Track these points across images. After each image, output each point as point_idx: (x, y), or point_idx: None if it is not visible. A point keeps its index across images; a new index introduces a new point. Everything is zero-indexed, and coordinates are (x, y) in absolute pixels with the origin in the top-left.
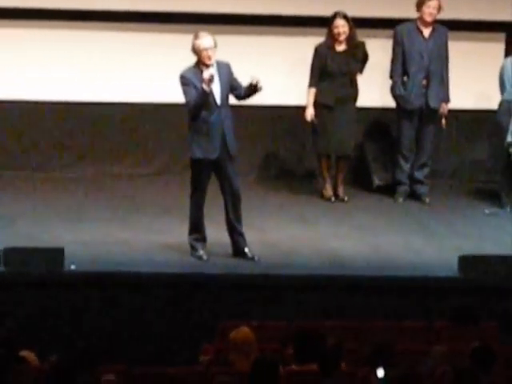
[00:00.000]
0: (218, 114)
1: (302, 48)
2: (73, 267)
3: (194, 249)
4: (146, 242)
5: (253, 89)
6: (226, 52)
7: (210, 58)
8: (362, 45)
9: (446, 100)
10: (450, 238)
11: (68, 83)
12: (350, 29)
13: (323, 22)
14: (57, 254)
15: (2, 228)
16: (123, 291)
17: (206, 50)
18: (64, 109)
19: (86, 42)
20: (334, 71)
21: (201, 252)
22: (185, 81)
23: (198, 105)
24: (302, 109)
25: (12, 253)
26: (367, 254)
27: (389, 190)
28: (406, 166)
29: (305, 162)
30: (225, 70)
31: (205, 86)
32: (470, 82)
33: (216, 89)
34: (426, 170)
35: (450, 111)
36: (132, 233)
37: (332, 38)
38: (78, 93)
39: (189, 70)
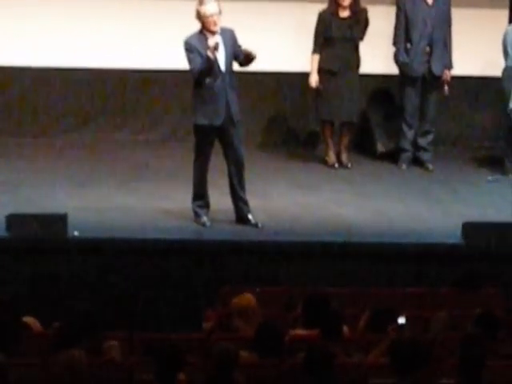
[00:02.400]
0: (222, 80)
1: (306, 14)
2: (76, 233)
3: (197, 215)
4: (149, 209)
5: (248, 58)
6: (228, 19)
7: (215, 24)
8: (365, 11)
9: (449, 67)
10: (453, 205)
11: (71, 49)
12: None
13: None
14: (60, 219)
15: (6, 194)
16: (126, 258)
17: (211, 15)
18: (67, 75)
19: (88, 8)
20: (338, 37)
21: (204, 218)
22: (189, 47)
23: (203, 72)
24: (306, 75)
25: (15, 219)
26: (370, 220)
27: (392, 156)
28: (410, 133)
29: (308, 128)
30: (229, 36)
31: (209, 54)
32: (474, 49)
33: (220, 55)
34: (430, 137)
35: (454, 78)
36: (135, 199)
37: (336, 4)
38: (81, 59)
39: (193, 36)
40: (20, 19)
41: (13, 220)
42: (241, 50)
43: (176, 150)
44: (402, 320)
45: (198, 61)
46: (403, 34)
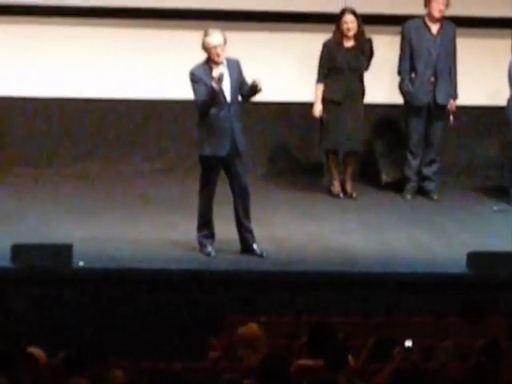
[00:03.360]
0: (227, 111)
1: (310, 44)
2: (81, 264)
3: (202, 245)
4: (154, 239)
5: (253, 90)
6: (234, 48)
7: (219, 56)
8: (369, 41)
9: (454, 96)
10: (458, 235)
11: (75, 80)
12: (359, 25)
13: (331, 19)
14: (65, 250)
15: (11, 224)
16: (131, 288)
17: (216, 47)
18: (72, 105)
19: (94, 39)
20: (343, 67)
21: (209, 248)
22: (194, 78)
23: (207, 102)
24: (310, 105)
25: (21, 249)
26: (375, 250)
27: (397, 186)
28: (415, 163)
29: (313, 158)
30: (234, 67)
31: (214, 85)
32: (479, 78)
33: (226, 86)
34: (435, 167)
35: (458, 107)
36: (140, 229)
37: (340, 34)
38: (88, 89)
39: (198, 66)
40: (24, 49)
41: (18, 250)
42: (246, 82)
43: (181, 180)
44: (408, 343)
45: (203, 91)
46: (408, 64)
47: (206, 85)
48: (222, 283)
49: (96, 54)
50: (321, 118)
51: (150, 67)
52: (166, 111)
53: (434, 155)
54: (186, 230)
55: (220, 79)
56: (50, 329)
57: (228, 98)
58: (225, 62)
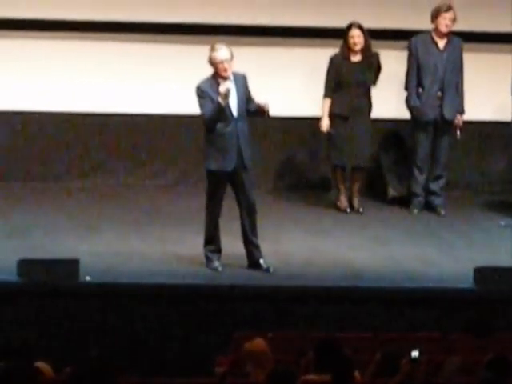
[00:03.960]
0: (234, 126)
1: (318, 59)
2: (88, 279)
3: (209, 260)
4: (161, 253)
5: (260, 112)
6: (241, 63)
7: (226, 70)
8: (376, 56)
9: (461, 111)
10: (465, 250)
11: (81, 94)
12: (365, 39)
13: (338, 34)
14: (72, 265)
15: (17, 239)
16: (138, 303)
17: (222, 62)
18: (77, 119)
19: (102, 53)
20: (350, 81)
21: (216, 263)
22: (201, 93)
23: (214, 118)
24: (317, 120)
25: (27, 264)
26: (382, 265)
27: (404, 201)
28: (421, 178)
29: (320, 172)
30: (241, 81)
31: (221, 100)
32: (485, 93)
33: (232, 101)
34: (442, 182)
35: (465, 122)
36: (147, 244)
37: (347, 49)
38: (92, 103)
39: (205, 81)
40: (30, 64)
41: (24, 265)
42: (252, 97)
43: (187, 194)
44: (415, 353)
45: (210, 106)
46: (415, 79)
47: (212, 100)
48: (228, 298)
49: (98, 68)
50: (328, 133)
51: (156, 82)
52: (172, 126)
53: (441, 170)
54: (192, 244)
55: (227, 95)
56: (56, 343)
57: (235, 113)
58: (231, 77)
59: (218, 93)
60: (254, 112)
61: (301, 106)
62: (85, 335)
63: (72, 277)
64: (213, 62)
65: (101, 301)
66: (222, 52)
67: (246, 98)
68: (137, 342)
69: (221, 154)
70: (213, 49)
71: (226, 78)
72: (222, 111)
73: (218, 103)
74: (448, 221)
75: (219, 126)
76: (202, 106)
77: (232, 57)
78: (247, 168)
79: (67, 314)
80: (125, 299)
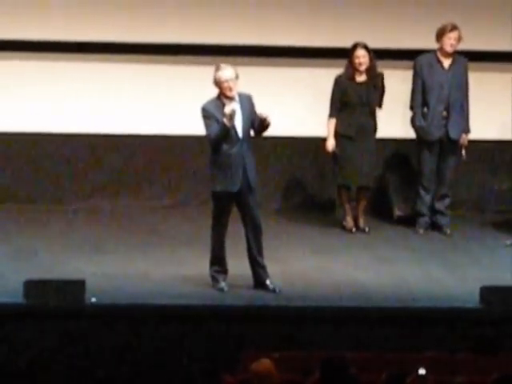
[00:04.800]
0: (239, 146)
1: (323, 79)
2: (93, 300)
3: (215, 281)
4: (166, 274)
5: (263, 124)
6: (246, 84)
7: (230, 90)
8: (381, 76)
9: (467, 131)
10: (471, 269)
11: (86, 116)
12: (371, 59)
13: (343, 54)
14: (78, 286)
15: (23, 261)
16: (144, 324)
17: (227, 81)
18: (82, 140)
19: (106, 74)
20: (355, 102)
21: (222, 284)
22: (206, 113)
23: (219, 138)
24: (322, 140)
25: (33, 285)
26: (388, 284)
27: (410, 221)
28: (427, 197)
29: (325, 192)
30: (246, 102)
31: (226, 121)
32: (490, 113)
33: (238, 122)
34: (447, 201)
35: (471, 142)
36: (152, 265)
37: (352, 69)
38: (98, 125)
39: (210, 102)
40: (36, 85)
41: (30, 287)
42: (256, 115)
43: (192, 215)
44: (422, 371)
45: (215, 127)
46: (420, 99)
47: (217, 120)
48: (234, 319)
49: (102, 90)
50: (333, 153)
51: (160, 103)
52: (177, 147)
53: (447, 189)
54: (198, 265)
55: (232, 116)
56: (62, 365)
57: (240, 134)
58: (237, 98)
59: (224, 114)
60: (259, 127)
61: (306, 125)
62: (91, 356)
63: (78, 298)
64: (217, 82)
65: (106, 322)
66: (227, 71)
67: (251, 118)
68: (143, 363)
69: (226, 175)
70: (217, 68)
71: (230, 98)
72: (227, 132)
73: (224, 124)
74: (454, 240)
75: (224, 146)
76: (207, 126)
77: (237, 76)
78: (252, 189)
79: (73, 336)
80: (130, 320)
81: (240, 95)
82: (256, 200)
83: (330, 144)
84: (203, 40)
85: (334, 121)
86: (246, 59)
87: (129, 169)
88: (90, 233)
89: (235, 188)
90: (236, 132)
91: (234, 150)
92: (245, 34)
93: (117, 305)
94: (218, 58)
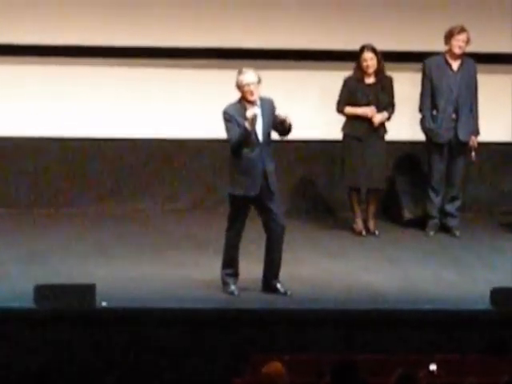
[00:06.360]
0: (259, 151)
1: (331, 82)
2: (104, 304)
3: (225, 284)
4: (176, 278)
5: (283, 125)
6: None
7: (252, 94)
8: (390, 79)
9: (476, 133)
10: (481, 271)
11: (96, 119)
12: (379, 62)
13: (352, 56)
14: (88, 290)
15: (34, 265)
16: (155, 327)
17: (249, 85)
18: (93, 145)
19: (113, 77)
20: (363, 103)
21: (232, 287)
22: (227, 117)
23: (240, 142)
24: (332, 142)
25: (43, 290)
26: (398, 287)
27: (419, 223)
28: (437, 199)
29: (335, 195)
30: (268, 106)
31: (247, 125)
32: (500, 115)
33: (258, 126)
34: (457, 203)
35: (480, 144)
36: (162, 268)
37: (361, 71)
38: (108, 129)
39: (232, 105)
40: (42, 90)
41: (41, 291)
42: (276, 117)
43: (203, 219)
44: (433, 367)
45: (236, 131)
46: (429, 101)
47: (238, 124)
48: (245, 322)
49: (115, 93)
50: (341, 156)
51: (169, 106)
52: (186, 150)
53: (456, 192)
54: (208, 268)
55: (253, 120)
56: (73, 369)
57: (260, 138)
58: (258, 102)
59: (245, 117)
60: (279, 129)
61: (314, 128)
62: (101, 360)
63: (88, 302)
64: (239, 85)
65: (117, 326)
66: (249, 75)
67: (272, 122)
68: (153, 366)
69: (245, 179)
70: (240, 72)
71: (252, 102)
72: (248, 136)
73: (245, 128)
74: (464, 242)
75: (245, 150)
76: (228, 129)
77: (259, 81)
78: (273, 193)
79: (84, 340)
80: (141, 324)
81: (262, 99)
82: (278, 204)
83: (369, 109)
84: (209, 43)
85: (347, 107)
86: (253, 62)
87: (139, 172)
88: (100, 237)
89: (254, 192)
90: (257, 136)
91: (254, 154)
92: (252, 37)
93: (127, 308)
94: (224, 62)
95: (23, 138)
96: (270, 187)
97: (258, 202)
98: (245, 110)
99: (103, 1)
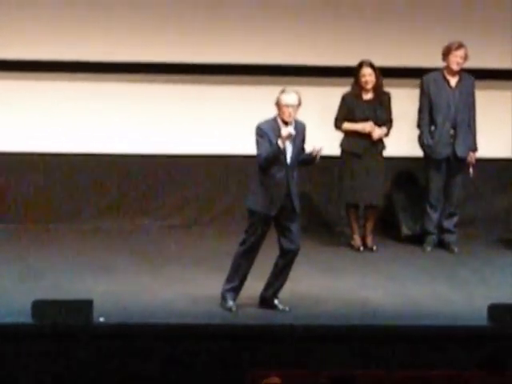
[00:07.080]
0: (285, 172)
1: (329, 98)
2: (102, 319)
3: (224, 299)
4: (175, 294)
5: (312, 159)
6: (254, 103)
7: (290, 116)
8: (387, 95)
9: (474, 149)
10: (479, 287)
11: (95, 135)
12: (377, 78)
13: (350, 72)
14: (86, 306)
15: (30, 281)
16: (152, 343)
17: (287, 106)
18: (91, 160)
19: (116, 94)
20: (361, 120)
21: (230, 303)
22: (261, 132)
23: (270, 159)
24: (330, 158)
25: (41, 305)
26: (396, 303)
27: (417, 239)
28: (435, 216)
29: (333, 211)
30: (301, 130)
31: (280, 143)
32: (498, 131)
33: (288, 148)
34: (455, 219)
35: (478, 160)
36: (161, 284)
37: (359, 87)
38: (108, 144)
39: (266, 122)
40: (44, 106)
41: (38, 306)
42: (305, 148)
43: (201, 235)
44: None
45: (267, 147)
46: (427, 117)
47: (270, 142)
48: (242, 337)
49: (117, 109)
50: (340, 172)
51: (170, 123)
52: (186, 166)
53: (454, 208)
54: (206, 284)
55: (288, 138)
56: None
57: (288, 160)
58: (293, 124)
59: (278, 135)
60: (305, 160)
61: (313, 144)
62: (99, 376)
63: (86, 318)
64: (279, 104)
65: (115, 341)
66: (290, 97)
67: (301, 147)
68: (151, 382)
69: (267, 198)
70: (282, 91)
71: (287, 123)
72: (278, 154)
73: (277, 145)
74: (461, 258)
75: (272, 169)
76: (259, 145)
77: (299, 104)
78: (296, 214)
79: (81, 355)
80: (139, 340)
81: (296, 122)
82: (298, 226)
83: (368, 125)
84: (207, 59)
85: (345, 123)
86: (251, 78)
87: (138, 189)
88: (97, 253)
89: (273, 212)
90: (285, 157)
91: (281, 174)
92: (250, 53)
93: (125, 324)
94: (222, 77)
95: (21, 154)
96: (295, 208)
97: (279, 220)
98: (279, 128)
99: (98, 15)
